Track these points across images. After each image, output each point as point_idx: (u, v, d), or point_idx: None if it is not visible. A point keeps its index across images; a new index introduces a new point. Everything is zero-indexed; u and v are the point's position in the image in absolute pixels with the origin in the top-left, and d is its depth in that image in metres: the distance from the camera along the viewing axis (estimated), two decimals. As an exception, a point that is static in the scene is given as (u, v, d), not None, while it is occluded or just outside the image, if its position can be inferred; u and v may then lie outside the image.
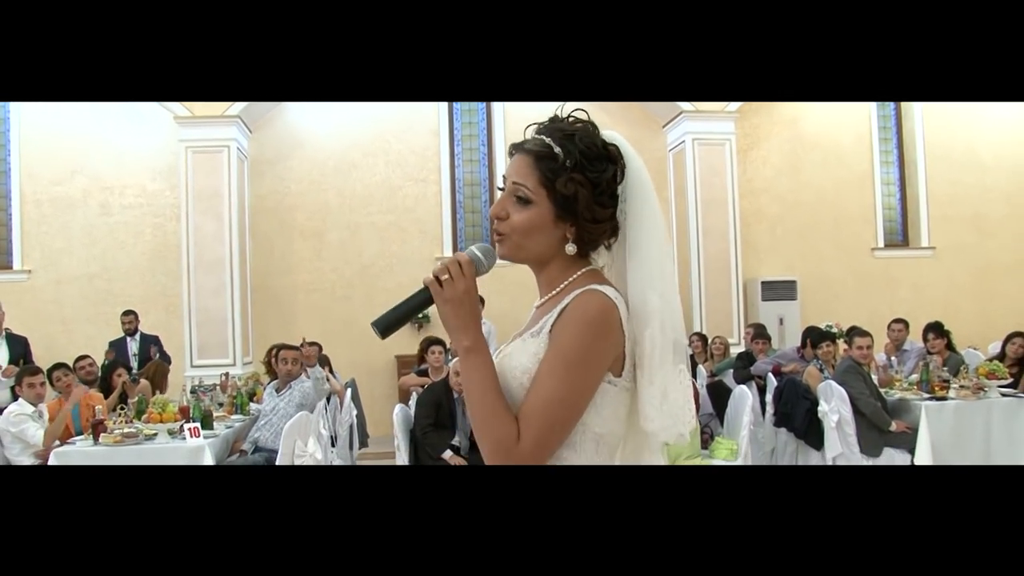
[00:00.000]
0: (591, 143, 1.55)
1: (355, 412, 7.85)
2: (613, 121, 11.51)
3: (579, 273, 1.59)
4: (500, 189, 1.63)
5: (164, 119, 10.13)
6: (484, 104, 11.71)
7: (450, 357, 8.37)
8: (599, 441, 1.52)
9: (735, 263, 10.81)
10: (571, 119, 1.60)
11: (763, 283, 11.24)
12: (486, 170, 11.75)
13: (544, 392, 1.47)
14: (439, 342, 8.17)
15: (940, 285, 11.85)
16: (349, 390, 7.80)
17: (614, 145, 1.58)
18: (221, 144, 9.97)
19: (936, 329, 8.11)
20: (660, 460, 1.62)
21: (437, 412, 6.23)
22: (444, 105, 11.45)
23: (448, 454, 6.04)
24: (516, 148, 1.61)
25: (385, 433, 9.95)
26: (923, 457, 6.24)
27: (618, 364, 1.52)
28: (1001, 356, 7.78)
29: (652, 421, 1.52)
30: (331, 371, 7.82)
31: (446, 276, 1.52)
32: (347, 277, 11.04)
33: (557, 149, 1.54)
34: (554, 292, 1.60)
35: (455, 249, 11.41)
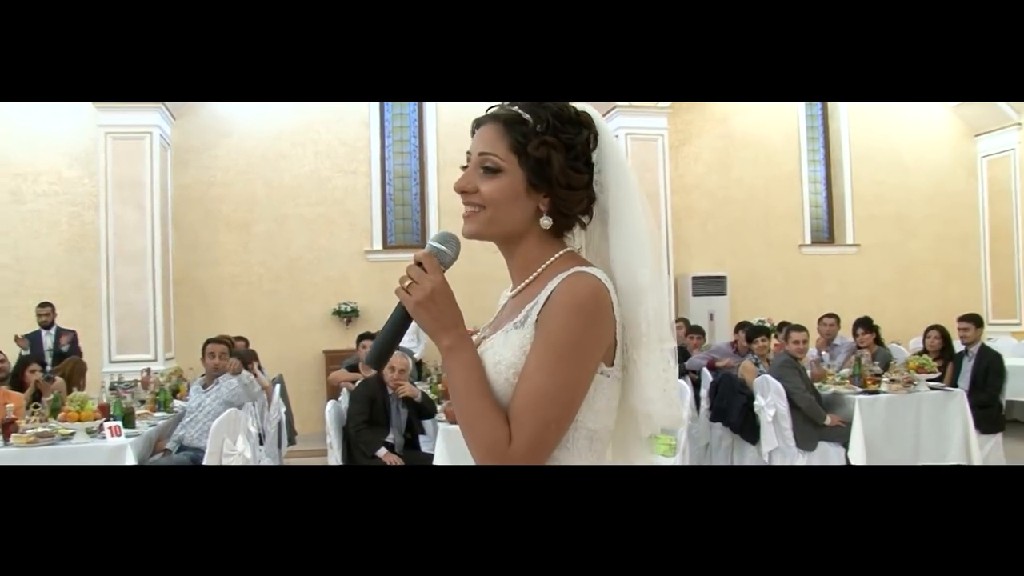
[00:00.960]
0: (562, 107, 1.46)
1: (284, 409, 7.61)
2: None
3: (557, 255, 1.47)
4: (463, 168, 1.50)
5: (82, 103, 9.67)
6: (416, 95, 11.52)
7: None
8: (592, 438, 1.41)
9: (667, 258, 10.84)
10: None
11: (694, 278, 11.31)
12: (417, 162, 11.55)
13: (535, 388, 1.34)
14: (370, 336, 8.01)
15: (864, 282, 12.10)
16: (277, 386, 7.55)
17: (586, 113, 1.49)
18: (143, 131, 9.56)
19: (865, 324, 8.28)
20: (647, 453, 1.53)
21: (371, 409, 6.07)
22: (375, 95, 11.22)
23: (383, 452, 5.89)
24: (482, 120, 1.50)
25: (313, 430, 9.74)
26: (856, 450, 6.31)
27: (610, 353, 1.41)
28: (923, 350, 7.95)
29: (654, 403, 1.43)
30: (259, 367, 7.56)
31: (408, 282, 1.40)
32: (274, 270, 10.74)
33: (527, 115, 1.44)
34: (531, 278, 1.48)
35: (384, 243, 11.24)
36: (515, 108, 1.46)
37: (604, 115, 11.13)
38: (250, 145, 10.72)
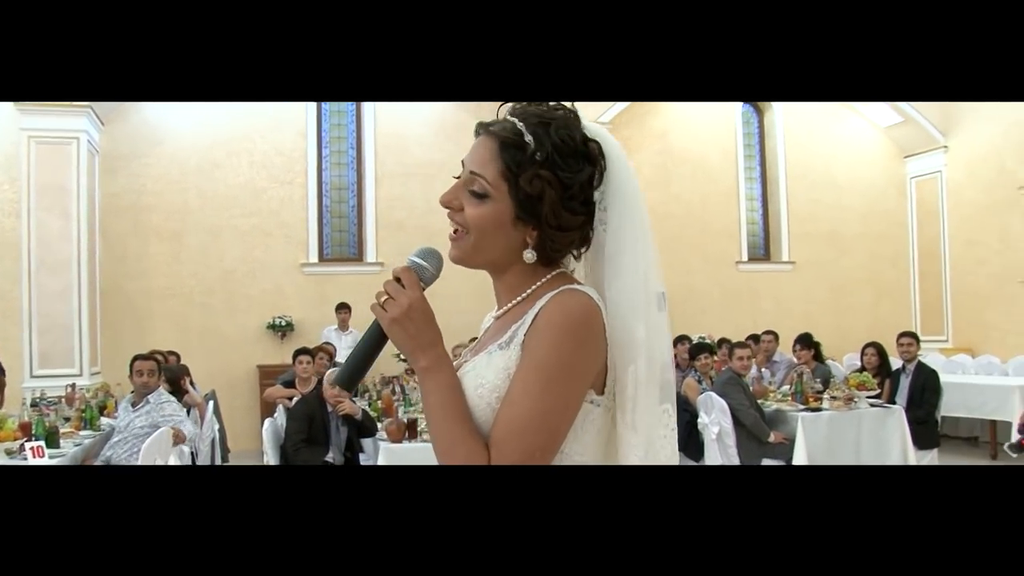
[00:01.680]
0: (568, 136, 1.32)
1: (217, 426, 7.36)
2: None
3: (547, 277, 1.37)
4: (456, 178, 1.39)
5: (3, 105, 9.26)
6: (354, 105, 11.34)
7: (320, 369, 8.00)
8: None
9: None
10: (553, 105, 1.37)
11: (633, 294, 11.29)
12: (354, 174, 11.36)
13: (520, 414, 1.24)
14: (307, 351, 7.82)
15: (799, 299, 12.28)
16: (211, 403, 7.30)
17: (595, 142, 1.35)
18: (69, 136, 9.16)
19: (804, 341, 8.36)
20: None
21: (310, 426, 5.90)
22: (312, 105, 11.00)
23: (322, 471, 5.71)
24: (482, 129, 1.37)
25: (247, 448, 9.48)
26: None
27: (600, 379, 1.31)
28: (861, 368, 8.07)
29: (636, 457, 1.31)
30: (191, 382, 7.30)
31: (385, 298, 1.29)
32: (207, 282, 10.41)
33: (528, 137, 1.31)
34: (519, 299, 1.37)
35: (321, 256, 11.03)
36: (518, 125, 1.32)
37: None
38: (183, 154, 10.40)
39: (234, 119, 10.45)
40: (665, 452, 1.34)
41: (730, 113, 12.33)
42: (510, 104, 1.40)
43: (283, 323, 10.41)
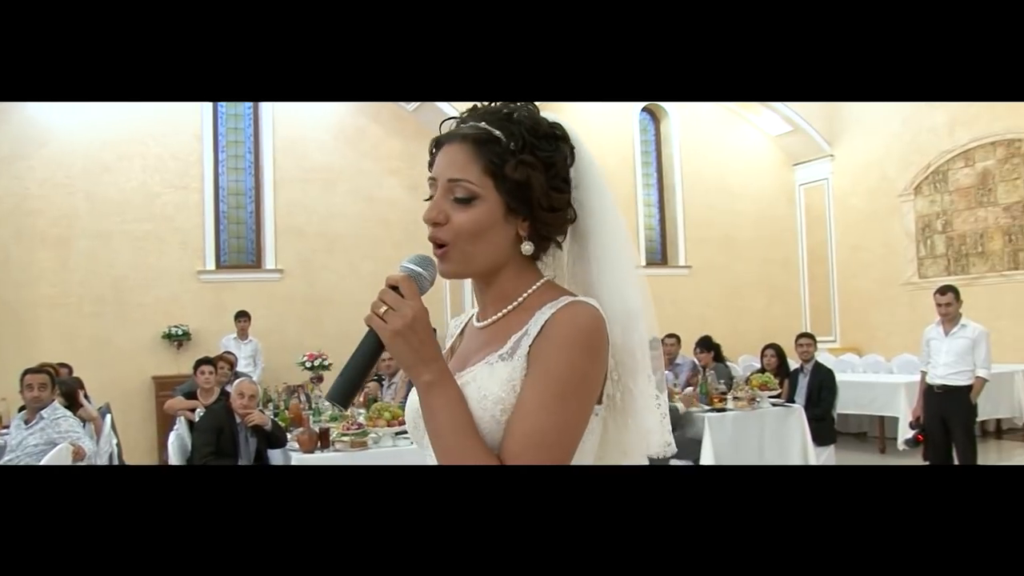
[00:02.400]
0: (534, 121, 1.33)
1: (115, 441, 7.05)
2: (387, 133, 11.29)
3: (538, 284, 1.36)
4: (427, 200, 1.36)
5: None
6: (251, 108, 11.07)
7: (222, 379, 7.77)
8: None
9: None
10: (500, 103, 1.37)
11: (535, 300, 11.37)
12: (252, 178, 11.08)
13: (536, 428, 1.21)
14: (208, 361, 7.59)
15: (696, 302, 12.57)
16: (108, 416, 7.00)
17: (558, 124, 1.37)
18: (-55, 137, 8.69)
19: (704, 344, 8.62)
20: None
21: (218, 439, 5.70)
22: (208, 107, 10.68)
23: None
24: (445, 139, 1.35)
25: (144, 462, 9.13)
26: (706, 464, 6.51)
27: (601, 389, 1.30)
28: (761, 369, 8.33)
29: (652, 433, 1.35)
30: (85, 395, 6.98)
31: (384, 308, 1.24)
32: (97, 291, 9.95)
33: (497, 132, 1.30)
34: (510, 307, 1.35)
35: (218, 263, 10.71)
36: (481, 124, 1.32)
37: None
38: (69, 157, 9.92)
39: (125, 120, 10.03)
40: (662, 411, 1.38)
41: (627, 120, 12.55)
42: (453, 118, 1.39)
43: (179, 332, 10.06)
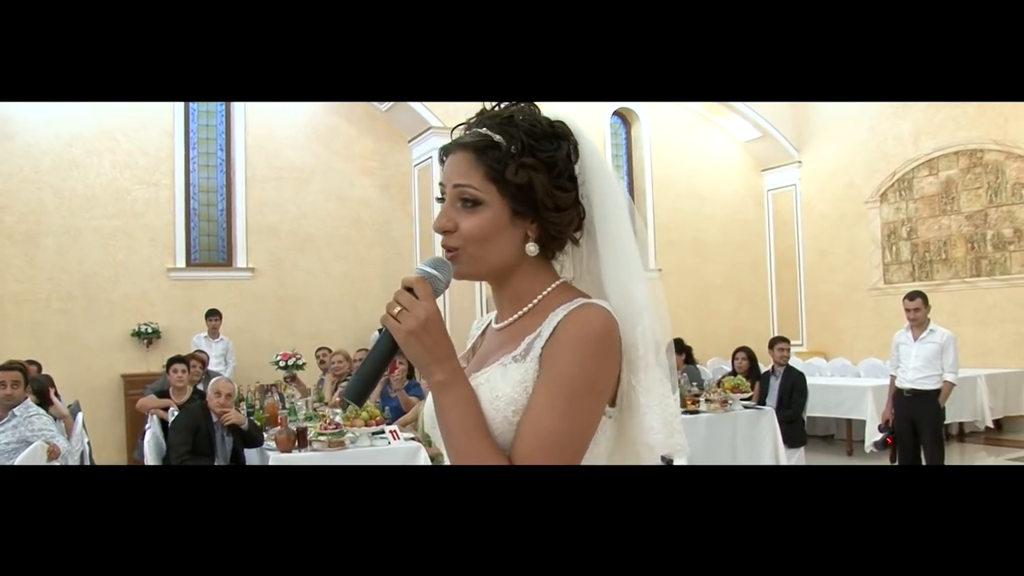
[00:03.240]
0: (534, 120, 1.35)
1: (87, 439, 6.98)
2: (360, 133, 11.26)
3: (553, 286, 1.38)
4: (439, 199, 1.40)
5: None
6: (223, 106, 10.98)
7: (195, 378, 7.72)
8: None
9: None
10: (503, 105, 1.40)
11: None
12: (224, 176, 10.99)
13: (547, 430, 1.23)
14: (181, 360, 7.54)
15: (665, 304, 12.64)
16: (79, 415, 6.92)
17: (560, 121, 1.39)
18: (-88, 130, 8.53)
19: (675, 346, 8.64)
20: None
21: (195, 438, 5.67)
22: (180, 104, 10.59)
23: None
24: (449, 148, 1.38)
25: (114, 460, 9.03)
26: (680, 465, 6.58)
27: (613, 391, 1.32)
28: (732, 371, 8.43)
29: (655, 432, 1.32)
30: (55, 393, 6.90)
31: (398, 309, 1.26)
32: (65, 287, 9.81)
33: (497, 137, 1.33)
34: (525, 309, 1.38)
35: (188, 260, 10.61)
36: (482, 130, 1.35)
37: (417, 136, 11.10)
38: (37, 151, 9.77)
39: (95, 115, 9.91)
40: (674, 408, 1.36)
41: (599, 123, 12.62)
42: (461, 124, 1.42)
43: (149, 330, 9.94)
